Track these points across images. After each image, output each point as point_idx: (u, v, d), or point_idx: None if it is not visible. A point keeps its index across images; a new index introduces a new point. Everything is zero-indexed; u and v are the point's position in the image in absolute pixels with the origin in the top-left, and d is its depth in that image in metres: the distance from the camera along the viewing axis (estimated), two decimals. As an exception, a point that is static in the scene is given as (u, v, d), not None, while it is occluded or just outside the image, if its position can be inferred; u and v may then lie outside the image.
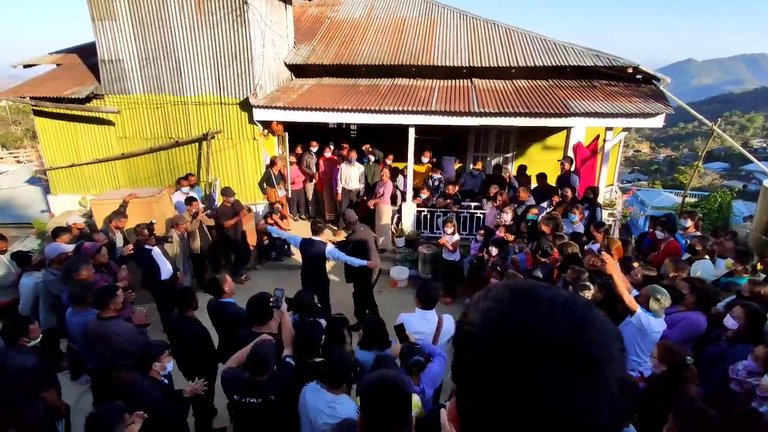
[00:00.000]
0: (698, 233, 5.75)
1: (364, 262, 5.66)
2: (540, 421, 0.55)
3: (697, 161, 12.54)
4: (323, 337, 3.57)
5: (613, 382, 0.57)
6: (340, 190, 9.14)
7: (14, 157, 28.71)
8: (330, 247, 5.61)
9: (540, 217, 6.19)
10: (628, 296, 3.75)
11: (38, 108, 9.07)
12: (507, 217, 6.60)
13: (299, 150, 9.81)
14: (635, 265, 4.70)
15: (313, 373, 3.15)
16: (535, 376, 0.56)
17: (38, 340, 3.77)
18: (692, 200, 13.49)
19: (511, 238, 6.16)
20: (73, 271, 4.69)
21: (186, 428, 3.73)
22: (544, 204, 7.53)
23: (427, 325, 3.70)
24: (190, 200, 7.26)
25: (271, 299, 3.55)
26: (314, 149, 9.71)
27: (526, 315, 0.60)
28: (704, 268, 4.81)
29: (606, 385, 0.57)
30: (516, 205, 7.22)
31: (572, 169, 8.08)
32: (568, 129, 8.89)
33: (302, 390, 2.99)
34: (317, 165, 9.78)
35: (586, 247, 5.37)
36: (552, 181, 8.26)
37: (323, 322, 3.98)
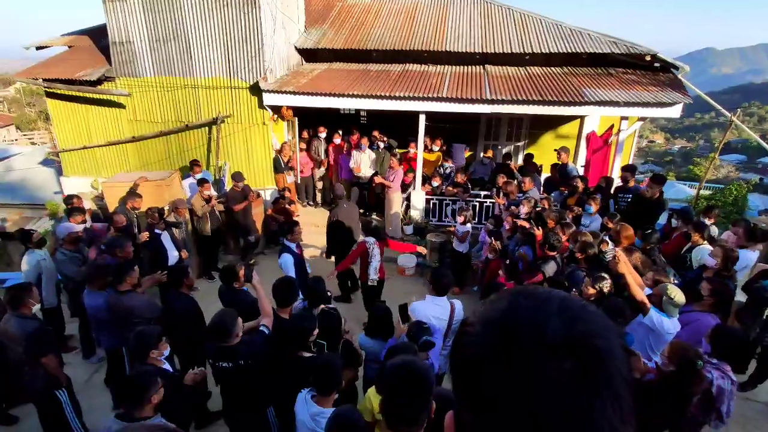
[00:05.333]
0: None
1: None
2: (537, 425, 0.50)
3: (713, 153, 12.27)
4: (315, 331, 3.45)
5: (619, 380, 0.52)
6: (352, 173, 9.03)
7: (28, 138, 29.09)
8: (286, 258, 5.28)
9: (546, 210, 6.09)
10: (641, 295, 3.68)
11: (50, 90, 9.12)
12: (523, 209, 6.48)
13: (306, 135, 9.76)
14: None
15: (296, 367, 3.21)
16: (531, 372, 0.51)
17: (38, 305, 3.86)
18: (707, 192, 13.24)
19: (539, 234, 5.58)
20: (117, 247, 4.87)
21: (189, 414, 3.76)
22: (553, 195, 7.44)
23: (440, 309, 3.78)
24: (201, 182, 7.29)
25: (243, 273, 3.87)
26: (322, 135, 9.65)
27: (522, 310, 0.57)
28: (704, 254, 4.89)
29: (611, 383, 0.52)
30: (522, 195, 7.11)
31: (569, 160, 7.95)
32: (582, 118, 8.72)
33: (297, 396, 2.90)
34: (326, 151, 9.74)
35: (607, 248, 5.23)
36: (548, 168, 8.22)
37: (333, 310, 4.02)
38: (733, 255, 4.41)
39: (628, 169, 7.02)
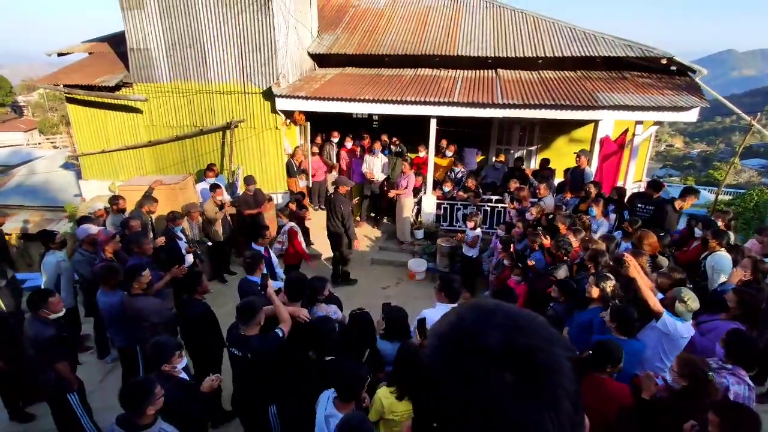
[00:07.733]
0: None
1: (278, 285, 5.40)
2: None
3: (733, 157, 12.00)
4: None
5: (560, 393, 0.53)
6: (365, 177, 9.05)
7: (51, 142, 29.90)
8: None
9: (558, 215, 6.03)
10: (653, 299, 3.58)
11: (71, 95, 9.36)
12: (529, 216, 6.43)
13: (319, 140, 9.84)
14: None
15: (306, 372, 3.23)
16: (474, 383, 0.53)
17: (61, 313, 3.93)
18: (726, 198, 12.94)
19: (547, 243, 5.50)
20: (135, 243, 5.12)
21: (206, 421, 3.81)
22: (557, 198, 7.38)
23: None
24: (214, 187, 7.39)
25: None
26: (335, 140, 9.72)
27: (467, 323, 0.59)
28: (719, 260, 4.82)
29: (550, 396, 0.52)
30: (536, 201, 7.06)
31: (588, 164, 7.84)
32: (596, 122, 8.62)
33: (322, 394, 2.97)
34: (338, 156, 9.79)
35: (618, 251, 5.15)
36: (561, 173, 8.13)
37: (335, 309, 4.05)
38: (763, 267, 4.27)
39: (653, 186, 6.82)
